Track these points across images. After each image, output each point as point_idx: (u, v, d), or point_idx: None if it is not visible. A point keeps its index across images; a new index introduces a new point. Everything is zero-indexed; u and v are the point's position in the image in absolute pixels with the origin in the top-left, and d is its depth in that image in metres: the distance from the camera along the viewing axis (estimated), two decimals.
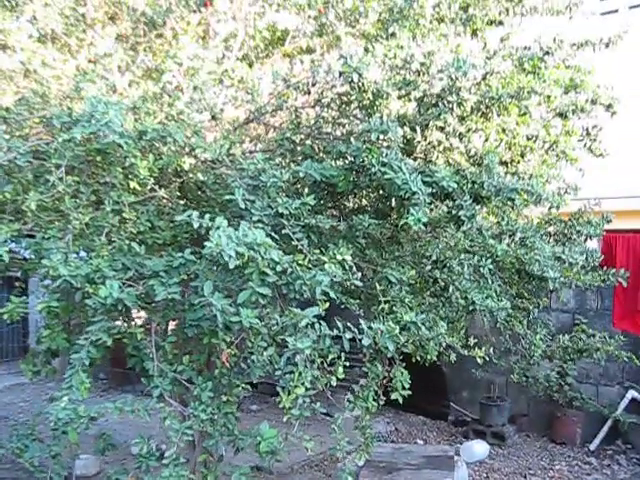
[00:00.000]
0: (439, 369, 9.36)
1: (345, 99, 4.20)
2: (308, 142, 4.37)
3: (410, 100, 4.02)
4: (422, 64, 4.00)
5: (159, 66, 4.82)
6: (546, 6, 5.66)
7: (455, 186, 3.71)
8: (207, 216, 3.38)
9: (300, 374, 3.35)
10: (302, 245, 3.67)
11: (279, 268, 3.36)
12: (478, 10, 5.16)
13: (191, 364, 4.01)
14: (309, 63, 4.81)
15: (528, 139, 4.87)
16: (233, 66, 4.41)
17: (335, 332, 3.39)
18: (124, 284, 3.77)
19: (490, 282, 4.62)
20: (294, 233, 3.71)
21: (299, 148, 4.36)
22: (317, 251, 3.72)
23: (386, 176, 3.60)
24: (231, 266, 3.07)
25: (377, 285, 3.94)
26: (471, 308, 4.61)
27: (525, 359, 6.13)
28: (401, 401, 4.30)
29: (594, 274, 5.38)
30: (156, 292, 3.65)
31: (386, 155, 3.66)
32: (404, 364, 4.35)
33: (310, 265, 3.59)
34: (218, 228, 3.25)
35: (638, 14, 10.37)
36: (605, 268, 5.39)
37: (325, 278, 3.33)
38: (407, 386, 4.53)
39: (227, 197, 3.75)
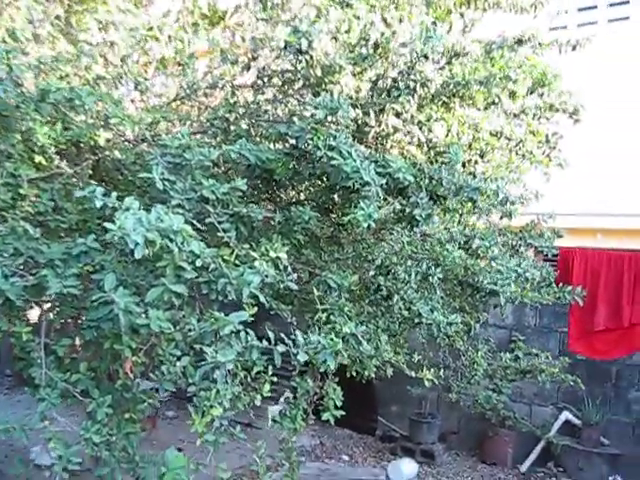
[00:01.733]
0: (369, 381, 8.92)
1: (290, 76, 3.65)
2: (244, 122, 3.80)
3: (363, 80, 3.50)
4: (382, 34, 3.49)
5: (78, 22, 4.15)
6: (510, 2, 5.28)
7: (412, 180, 3.21)
8: (114, 194, 2.77)
9: (218, 392, 2.77)
10: (229, 237, 3.10)
11: (199, 263, 2.78)
12: None
13: (89, 373, 3.36)
14: (250, 36, 4.24)
15: (492, 135, 4.44)
16: (161, 26, 3.79)
17: (265, 343, 2.82)
18: (14, 273, 3.13)
19: (437, 293, 4.16)
20: (220, 223, 3.13)
21: (233, 128, 3.78)
22: (247, 246, 3.16)
23: (333, 162, 3.06)
24: (137, 255, 2.47)
25: (314, 290, 3.39)
26: (416, 321, 4.14)
27: (465, 378, 5.73)
28: (333, 421, 3.82)
29: (549, 290, 5.00)
30: (49, 284, 3.01)
31: (334, 138, 3.13)
32: (336, 378, 3.87)
33: (238, 262, 3.03)
34: (127, 210, 2.65)
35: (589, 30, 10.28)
36: (561, 285, 5.03)
37: (255, 278, 2.77)
38: (340, 404, 4.06)
39: (142, 175, 3.13)
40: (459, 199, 3.56)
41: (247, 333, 2.77)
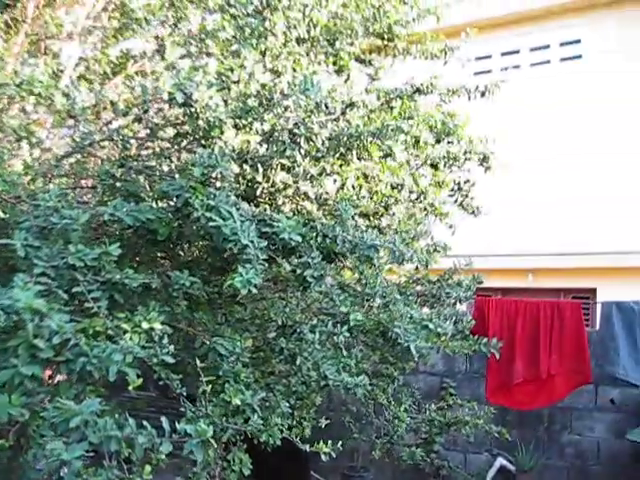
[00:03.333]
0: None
1: (179, 129, 3.44)
2: (131, 178, 3.55)
3: (251, 132, 3.30)
4: (263, 86, 3.31)
5: None
6: (420, 48, 5.23)
7: (299, 240, 3.01)
8: None
9: None
10: (99, 308, 2.82)
11: (58, 339, 2.50)
12: (345, 43, 4.59)
13: None
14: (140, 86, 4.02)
15: (393, 188, 4.30)
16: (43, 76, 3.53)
17: (128, 430, 2.52)
18: None
19: (345, 352, 3.94)
20: (90, 291, 2.85)
21: (119, 185, 3.52)
22: (123, 315, 2.89)
23: (212, 223, 2.84)
24: None
25: (197, 360, 3.13)
26: (323, 383, 3.91)
27: (388, 434, 5.49)
28: None
29: (464, 343, 4.84)
30: None
31: (214, 197, 2.91)
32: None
33: (111, 332, 2.76)
34: None
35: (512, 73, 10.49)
36: (476, 336, 4.87)
37: (118, 356, 2.50)
38: (248, 473, 3.78)
39: (2, 242, 2.85)
40: (357, 256, 3.38)
41: (106, 422, 2.47)
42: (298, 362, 3.78)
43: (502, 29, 10.50)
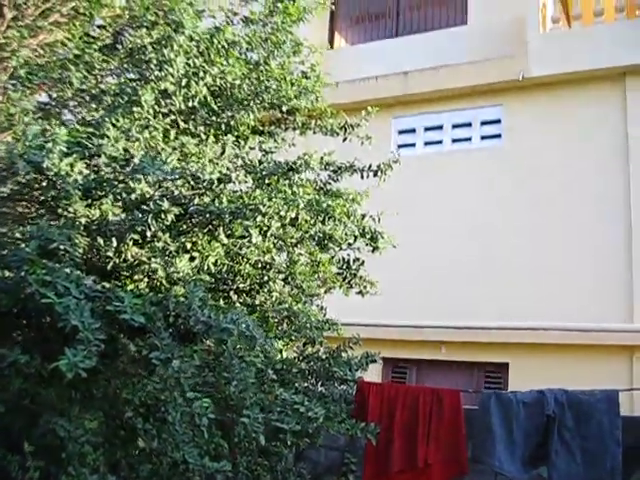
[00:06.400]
0: None
1: (32, 194, 3.29)
2: None
3: (106, 204, 3.18)
4: (114, 158, 3.19)
5: None
6: (319, 123, 5.24)
7: (143, 320, 2.86)
8: None
9: None
10: None
11: None
12: (238, 114, 4.55)
13: None
14: None
15: (262, 267, 4.18)
16: None
17: None
18: None
19: (208, 435, 3.74)
20: None
21: None
22: None
23: (44, 300, 2.68)
24: None
25: (26, 445, 2.91)
26: (182, 467, 3.69)
27: None
28: None
29: (341, 426, 4.70)
30: None
31: (52, 272, 2.76)
32: None
33: None
34: None
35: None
36: (355, 420, 4.74)
37: None
38: None
39: None
40: (212, 339, 3.25)
41: None
42: (155, 445, 3.57)
43: (427, 105, 10.74)
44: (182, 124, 4.08)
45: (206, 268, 3.49)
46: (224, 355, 3.39)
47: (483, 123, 10.47)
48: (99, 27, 4.69)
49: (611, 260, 8.77)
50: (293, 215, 3.71)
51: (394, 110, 10.70)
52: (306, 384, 5.15)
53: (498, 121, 10.29)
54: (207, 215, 3.42)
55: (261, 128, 5.06)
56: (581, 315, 8.62)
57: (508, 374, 9.22)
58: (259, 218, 3.48)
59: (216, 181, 3.46)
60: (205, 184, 3.41)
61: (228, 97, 4.71)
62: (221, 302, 4.21)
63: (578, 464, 5.13)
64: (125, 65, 4.30)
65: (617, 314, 8.57)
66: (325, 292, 5.03)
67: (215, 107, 4.36)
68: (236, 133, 4.61)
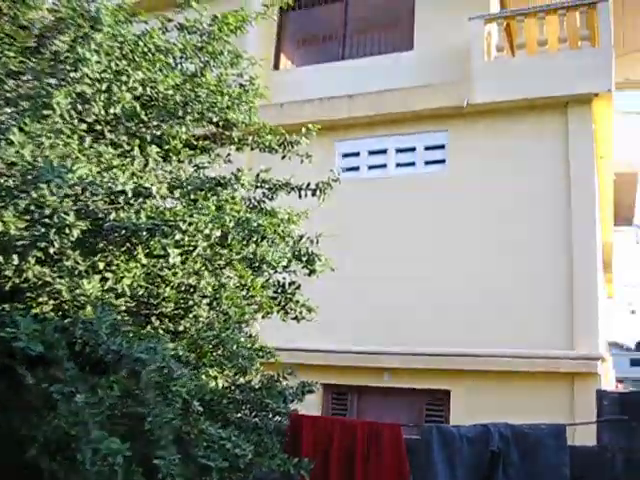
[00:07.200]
0: None
1: None
2: None
3: (3, 215, 2.82)
4: (12, 164, 2.85)
5: None
6: (256, 139, 4.99)
7: (41, 349, 2.52)
8: None
9: None
10: None
11: None
12: (168, 126, 4.26)
13: None
14: None
15: (185, 290, 3.85)
16: None
17: None
18: None
19: (124, 476, 3.38)
20: None
21: None
22: None
23: None
24: None
25: None
26: None
27: None
28: None
29: (272, 461, 4.38)
30: None
31: None
32: None
33: None
34: None
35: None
36: (288, 456, 4.43)
37: None
38: None
39: None
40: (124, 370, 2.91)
41: None
42: None
43: (371, 128, 10.64)
44: (107, 134, 3.76)
45: (120, 290, 3.16)
46: (139, 387, 3.05)
47: (427, 148, 10.42)
48: (21, 28, 4.35)
49: (552, 287, 8.77)
50: (219, 234, 3.42)
51: (338, 133, 10.58)
52: (239, 414, 4.83)
53: (442, 146, 10.25)
54: (123, 232, 3.10)
55: (195, 143, 4.77)
56: (522, 342, 8.58)
57: (450, 401, 9.09)
58: (178, 236, 3.16)
59: (131, 193, 3.14)
60: (123, 198, 3.09)
61: (160, 108, 4.42)
62: (146, 327, 3.88)
63: None
64: (47, 69, 3.97)
65: (558, 341, 8.55)
66: (263, 317, 4.73)
67: (145, 118, 4.06)
68: (167, 147, 4.30)
